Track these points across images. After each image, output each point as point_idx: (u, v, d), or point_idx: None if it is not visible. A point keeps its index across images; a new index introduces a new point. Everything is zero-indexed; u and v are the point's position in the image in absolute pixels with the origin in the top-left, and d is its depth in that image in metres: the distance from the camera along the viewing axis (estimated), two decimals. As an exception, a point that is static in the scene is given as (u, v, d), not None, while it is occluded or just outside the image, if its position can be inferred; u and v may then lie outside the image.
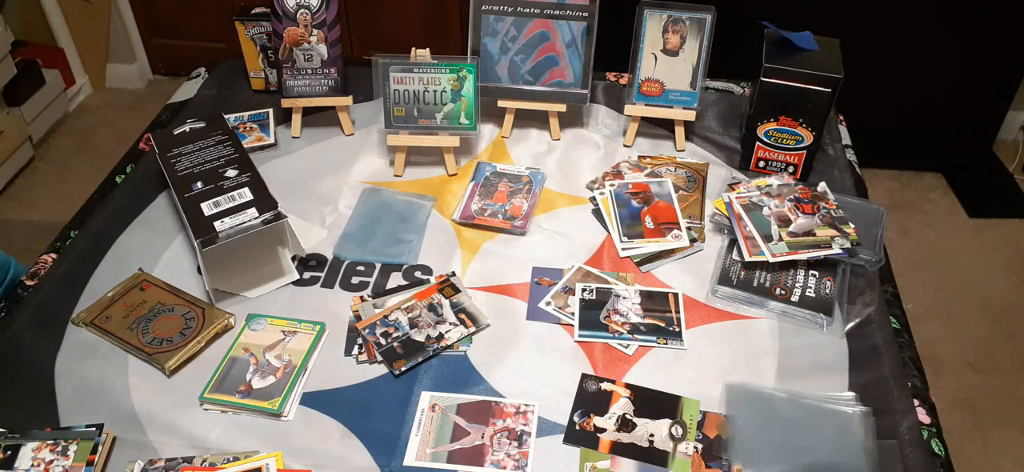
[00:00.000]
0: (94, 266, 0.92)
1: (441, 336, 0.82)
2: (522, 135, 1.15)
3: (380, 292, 0.89)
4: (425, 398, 0.76)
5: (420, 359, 0.80)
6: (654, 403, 0.75)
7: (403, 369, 0.78)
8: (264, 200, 0.87)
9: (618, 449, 0.71)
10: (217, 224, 0.83)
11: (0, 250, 0.96)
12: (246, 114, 1.17)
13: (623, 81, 1.26)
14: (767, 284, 0.87)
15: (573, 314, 0.85)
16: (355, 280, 0.91)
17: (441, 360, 0.81)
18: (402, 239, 0.96)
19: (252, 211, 0.85)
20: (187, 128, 0.99)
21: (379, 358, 0.80)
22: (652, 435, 0.72)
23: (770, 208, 0.93)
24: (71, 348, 0.81)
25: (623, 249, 0.94)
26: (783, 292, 0.86)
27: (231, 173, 0.90)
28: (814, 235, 0.89)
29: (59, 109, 2.60)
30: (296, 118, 1.14)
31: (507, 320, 0.85)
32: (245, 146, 0.99)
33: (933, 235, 2.32)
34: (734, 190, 0.96)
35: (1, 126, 2.19)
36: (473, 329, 0.83)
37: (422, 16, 2.55)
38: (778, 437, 0.72)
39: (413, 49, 1.04)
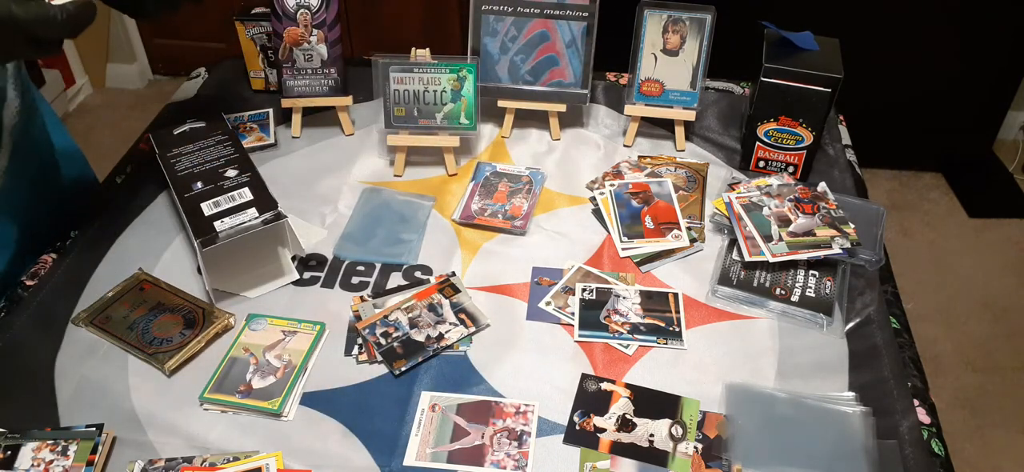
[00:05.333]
0: (94, 266, 0.92)
1: (441, 336, 0.82)
2: (522, 135, 1.15)
3: (380, 292, 0.89)
4: (425, 398, 0.76)
5: (420, 359, 0.80)
6: (654, 403, 0.75)
7: (403, 369, 0.78)
8: (264, 200, 0.87)
9: (618, 449, 0.71)
10: (217, 224, 0.83)
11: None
12: (246, 114, 1.17)
13: (623, 81, 1.26)
14: (767, 284, 0.87)
15: (573, 314, 0.85)
16: (355, 280, 0.91)
17: (441, 360, 0.81)
18: (402, 239, 0.96)
19: (252, 211, 0.85)
20: (187, 128, 0.99)
21: (379, 358, 0.80)
22: (652, 435, 0.72)
23: (770, 208, 0.93)
24: (71, 348, 0.82)
25: (623, 249, 0.94)
26: (783, 292, 0.86)
27: (231, 173, 0.90)
28: (814, 235, 0.89)
29: (59, 109, 2.60)
30: (296, 118, 1.14)
31: (507, 320, 0.85)
32: (245, 146, 0.99)
33: (933, 235, 2.32)
34: (734, 190, 0.96)
35: (1, 126, 2.19)
36: (473, 329, 0.83)
37: (422, 16, 2.55)
38: (778, 437, 0.73)
39: (413, 49, 1.04)
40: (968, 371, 1.89)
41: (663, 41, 1.06)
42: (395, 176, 1.07)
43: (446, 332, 0.82)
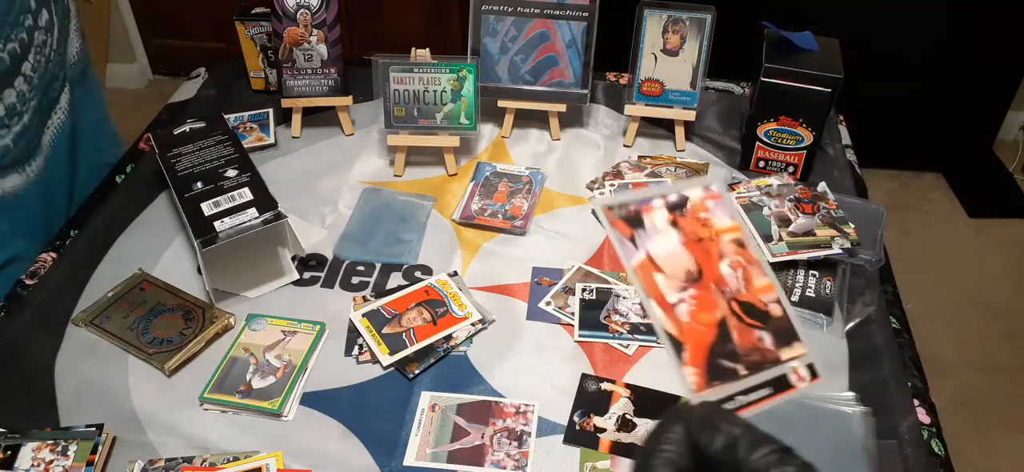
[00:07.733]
0: (94, 266, 0.92)
1: (450, 336, 0.82)
2: (522, 135, 1.15)
3: (381, 292, 0.88)
4: (425, 398, 0.76)
5: (432, 361, 0.79)
6: (654, 403, 0.75)
7: (416, 372, 0.78)
8: (264, 200, 0.87)
9: (618, 449, 0.71)
10: (217, 224, 0.83)
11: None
12: (246, 114, 1.17)
13: (623, 81, 1.26)
14: (767, 284, 0.87)
15: (573, 314, 0.85)
16: (355, 280, 0.91)
17: (441, 360, 0.81)
18: (402, 239, 0.96)
19: (252, 211, 0.85)
20: (187, 128, 0.99)
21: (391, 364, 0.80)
22: (652, 435, 0.72)
23: (770, 208, 0.93)
24: (71, 348, 0.82)
25: (623, 249, 0.94)
26: (783, 292, 0.86)
27: (231, 173, 0.90)
28: (814, 235, 0.89)
29: (59, 109, 2.60)
30: (296, 118, 1.14)
31: (507, 320, 0.85)
32: (245, 146, 0.99)
33: (933, 235, 2.32)
34: (734, 190, 0.96)
35: (1, 126, 2.18)
36: (480, 324, 0.83)
37: (422, 16, 2.55)
38: (778, 437, 0.72)
39: (413, 49, 1.04)
40: (968, 371, 1.89)
41: (663, 41, 1.06)
42: (395, 176, 1.07)
43: (454, 331, 0.82)
